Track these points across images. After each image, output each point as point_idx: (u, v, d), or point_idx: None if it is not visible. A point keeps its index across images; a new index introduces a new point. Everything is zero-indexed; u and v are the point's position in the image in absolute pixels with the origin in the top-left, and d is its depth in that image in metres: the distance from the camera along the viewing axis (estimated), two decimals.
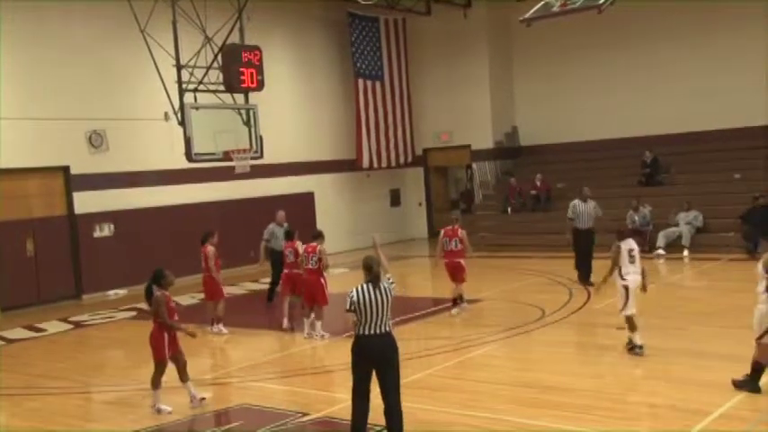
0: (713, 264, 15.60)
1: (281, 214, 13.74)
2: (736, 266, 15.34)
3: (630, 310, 8.95)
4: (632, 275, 8.98)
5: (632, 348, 8.90)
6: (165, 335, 8.02)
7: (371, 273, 6.35)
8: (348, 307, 6.34)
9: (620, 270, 8.98)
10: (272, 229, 13.54)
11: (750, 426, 6.50)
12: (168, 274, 8.11)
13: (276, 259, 13.18)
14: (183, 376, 8.10)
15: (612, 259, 9.05)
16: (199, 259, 11.93)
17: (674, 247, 16.82)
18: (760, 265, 7.49)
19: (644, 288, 9.15)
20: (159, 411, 7.92)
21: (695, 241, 16.83)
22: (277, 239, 13.20)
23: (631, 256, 9.02)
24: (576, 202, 14.03)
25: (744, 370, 7.98)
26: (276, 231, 13.38)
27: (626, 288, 8.96)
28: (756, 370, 7.28)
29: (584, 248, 13.84)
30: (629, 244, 9.09)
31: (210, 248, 11.63)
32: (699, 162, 19.15)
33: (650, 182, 19.23)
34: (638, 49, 20.61)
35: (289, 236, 11.82)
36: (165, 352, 7.99)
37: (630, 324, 8.97)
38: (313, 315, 10.95)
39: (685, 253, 16.62)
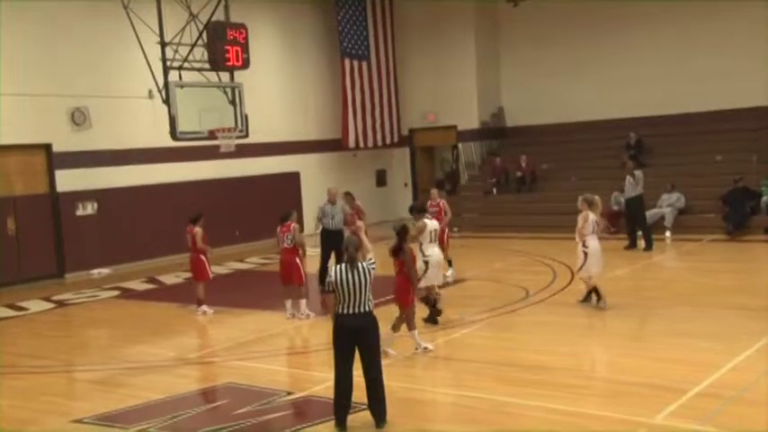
0: (694, 245, 15.78)
1: (332, 191, 12.95)
2: (717, 247, 15.55)
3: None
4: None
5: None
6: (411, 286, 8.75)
7: (347, 254, 6.47)
8: (327, 287, 6.49)
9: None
10: (325, 208, 12.75)
11: (724, 404, 6.62)
12: None
13: (328, 239, 12.67)
14: (411, 325, 8.75)
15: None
16: (183, 238, 11.90)
17: (656, 228, 16.99)
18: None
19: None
20: (425, 349, 8.64)
21: (677, 222, 17.00)
22: (328, 217, 12.70)
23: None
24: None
25: (722, 348, 8.15)
26: (328, 209, 12.76)
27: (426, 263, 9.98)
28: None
29: (626, 216, 15.97)
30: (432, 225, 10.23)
31: (199, 229, 11.60)
32: (682, 144, 19.29)
33: (634, 163, 19.32)
34: (623, 31, 20.62)
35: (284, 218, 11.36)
36: (410, 300, 8.74)
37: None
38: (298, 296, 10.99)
39: (667, 234, 16.78)
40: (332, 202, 12.89)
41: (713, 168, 18.17)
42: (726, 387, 7.03)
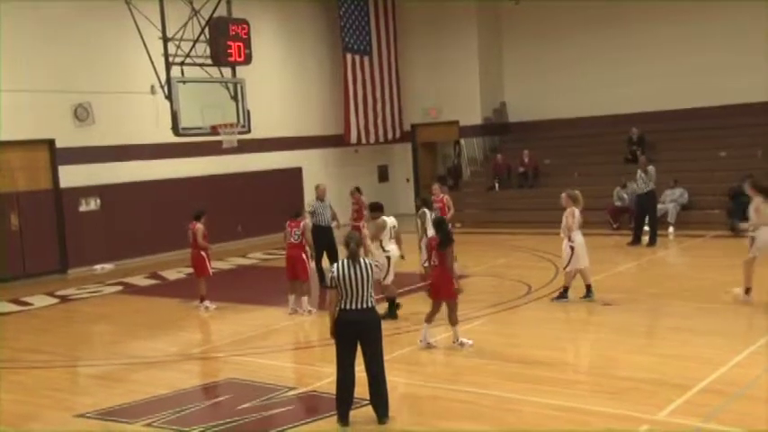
0: (697, 240, 15.75)
1: (321, 188, 12.99)
2: (720, 243, 15.51)
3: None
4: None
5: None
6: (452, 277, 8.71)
7: (348, 249, 6.47)
8: (329, 283, 6.49)
9: None
10: (315, 205, 12.84)
11: (727, 401, 6.61)
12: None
13: (319, 236, 12.49)
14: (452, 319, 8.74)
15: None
16: (185, 234, 11.91)
17: (659, 223, 16.97)
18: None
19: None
20: (462, 344, 8.61)
21: (680, 218, 16.97)
22: (319, 215, 12.69)
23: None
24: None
25: (725, 344, 8.14)
26: (318, 206, 12.78)
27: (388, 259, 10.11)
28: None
29: (635, 211, 15.89)
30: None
31: (200, 226, 11.63)
32: (685, 139, 19.26)
33: (637, 159, 19.28)
34: (626, 27, 20.60)
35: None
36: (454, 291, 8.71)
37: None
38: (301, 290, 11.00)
39: (670, 230, 16.75)
40: (321, 198, 12.89)
41: (717, 164, 18.14)
42: (729, 384, 7.02)
